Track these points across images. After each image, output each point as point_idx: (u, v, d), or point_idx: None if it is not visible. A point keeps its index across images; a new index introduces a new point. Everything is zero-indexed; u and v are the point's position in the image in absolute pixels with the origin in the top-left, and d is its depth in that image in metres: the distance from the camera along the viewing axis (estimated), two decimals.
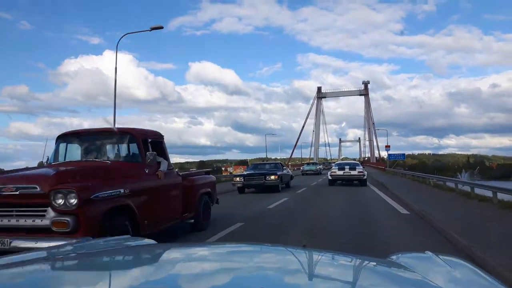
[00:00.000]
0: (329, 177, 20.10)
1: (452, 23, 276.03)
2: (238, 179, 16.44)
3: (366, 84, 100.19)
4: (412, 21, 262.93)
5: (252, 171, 17.40)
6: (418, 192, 15.38)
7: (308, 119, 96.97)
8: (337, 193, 15.76)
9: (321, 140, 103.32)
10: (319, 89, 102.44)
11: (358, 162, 25.77)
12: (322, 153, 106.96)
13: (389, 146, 41.77)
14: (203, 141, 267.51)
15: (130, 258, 1.33)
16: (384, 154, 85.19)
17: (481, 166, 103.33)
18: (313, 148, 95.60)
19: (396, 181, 23.45)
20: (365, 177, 19.47)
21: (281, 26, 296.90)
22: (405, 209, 10.10)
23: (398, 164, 42.36)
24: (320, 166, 42.11)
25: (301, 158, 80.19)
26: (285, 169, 19.10)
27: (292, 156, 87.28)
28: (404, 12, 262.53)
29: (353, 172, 19.44)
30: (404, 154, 42.74)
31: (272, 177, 15.90)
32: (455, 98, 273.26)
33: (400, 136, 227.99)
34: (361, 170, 19.71)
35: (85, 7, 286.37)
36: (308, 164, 44.50)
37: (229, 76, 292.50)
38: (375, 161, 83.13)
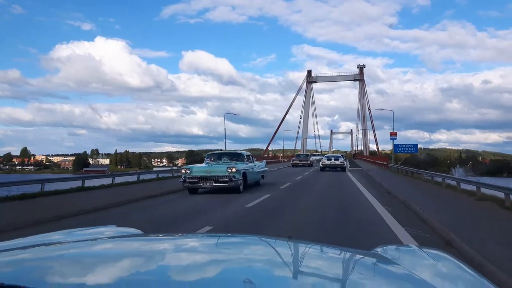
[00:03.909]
0: (321, 165, 29.82)
1: (446, 18, 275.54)
2: None
3: (361, 68, 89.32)
4: (406, 15, 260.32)
5: None
6: None
7: (296, 107, 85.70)
8: None
9: (312, 133, 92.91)
10: (309, 72, 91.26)
11: (340, 155, 32.97)
12: (312, 145, 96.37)
13: (395, 134, 29.57)
14: (196, 130, 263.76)
15: (118, 248, 1.30)
16: (384, 147, 75.28)
17: (473, 162, 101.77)
18: (300, 139, 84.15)
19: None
20: (344, 165, 29.38)
21: (276, 17, 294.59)
22: None
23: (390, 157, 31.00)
24: (250, 165, 14.81)
25: (283, 150, 68.36)
26: None
27: (273, 148, 74.99)
28: (398, 5, 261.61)
29: (336, 162, 29.42)
30: (416, 145, 30.31)
31: None
32: (448, 93, 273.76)
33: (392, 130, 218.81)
34: (342, 160, 29.89)
35: None
36: (211, 156, 15.39)
37: (223, 65, 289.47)
38: (368, 154, 72.17)
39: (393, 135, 30.00)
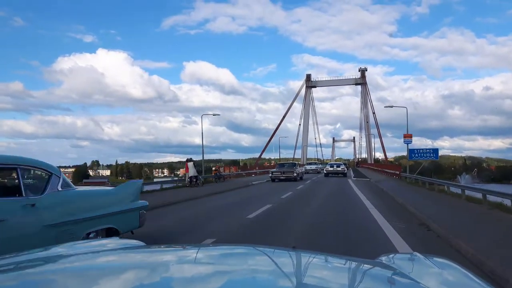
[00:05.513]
0: (324, 171, 35.25)
1: (445, 26, 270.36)
2: None
3: (363, 71, 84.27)
4: (405, 23, 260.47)
5: None
6: None
7: (297, 116, 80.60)
8: None
9: (314, 141, 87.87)
10: (308, 77, 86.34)
11: (341, 163, 40.86)
12: (313, 153, 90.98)
13: (410, 136, 23.84)
14: (198, 140, 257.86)
15: (122, 260, 1.29)
16: (387, 154, 69.77)
17: (478, 168, 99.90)
18: (300, 147, 78.71)
19: None
20: (345, 171, 35.02)
21: (275, 27, 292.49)
22: None
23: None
24: None
25: (279, 158, 62.72)
26: None
27: (276, 157, 69.35)
28: (397, 13, 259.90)
29: (338, 169, 34.66)
30: (437, 149, 23.81)
31: None
32: (449, 100, 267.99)
33: (395, 138, 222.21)
34: (343, 167, 35.64)
35: (77, 4, 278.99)
36: None
37: (224, 75, 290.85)
38: (373, 162, 66.61)
39: (407, 137, 24.10)
